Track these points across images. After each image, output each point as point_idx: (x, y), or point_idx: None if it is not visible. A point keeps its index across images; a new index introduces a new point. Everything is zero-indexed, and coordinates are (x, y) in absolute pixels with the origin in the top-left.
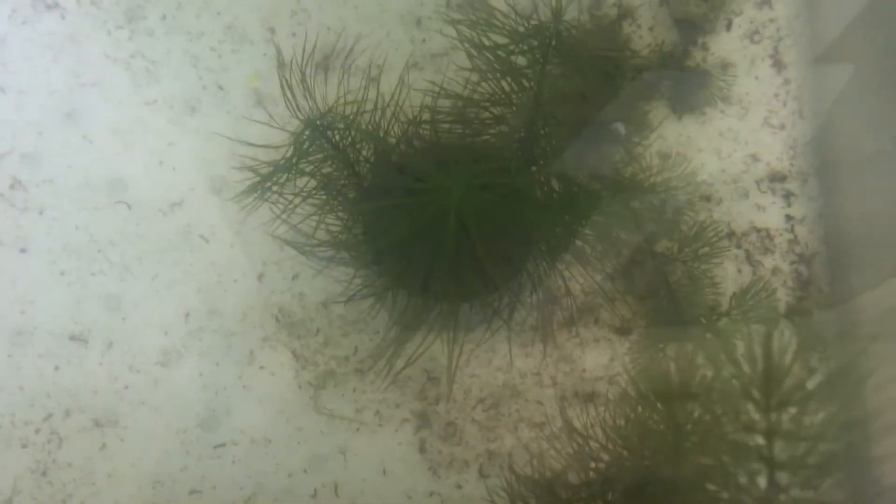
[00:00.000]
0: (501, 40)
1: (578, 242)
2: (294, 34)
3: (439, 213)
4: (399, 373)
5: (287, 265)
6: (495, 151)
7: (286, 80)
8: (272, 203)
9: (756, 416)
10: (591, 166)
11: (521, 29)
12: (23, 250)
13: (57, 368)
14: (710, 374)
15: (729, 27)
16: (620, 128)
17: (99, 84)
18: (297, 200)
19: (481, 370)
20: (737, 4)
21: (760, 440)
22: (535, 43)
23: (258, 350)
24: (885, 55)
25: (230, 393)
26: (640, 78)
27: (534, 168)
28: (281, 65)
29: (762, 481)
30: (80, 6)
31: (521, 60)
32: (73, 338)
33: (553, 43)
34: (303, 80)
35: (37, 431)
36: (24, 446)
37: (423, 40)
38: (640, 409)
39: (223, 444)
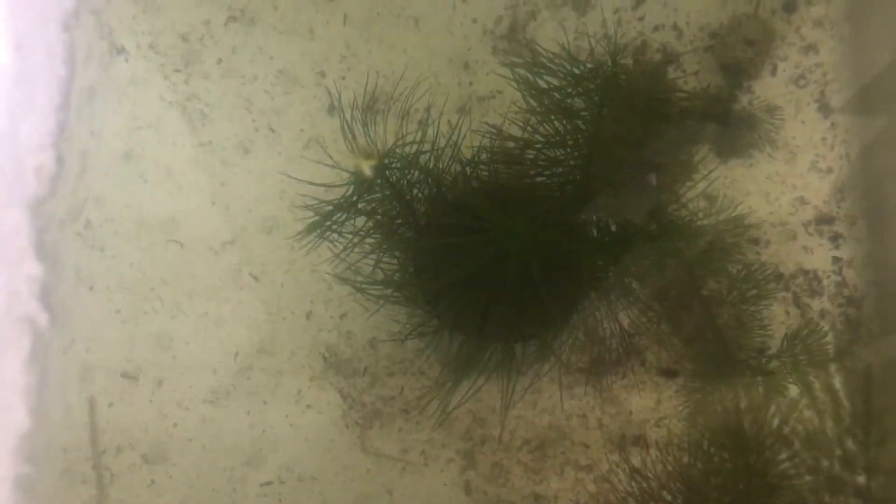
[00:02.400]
0: (555, 82)
1: (628, 283)
2: (344, 77)
3: (500, 253)
4: (448, 414)
5: (335, 303)
6: (552, 192)
7: (345, 122)
8: (330, 242)
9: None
10: (642, 209)
11: (577, 71)
12: (91, 288)
13: (111, 405)
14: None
15: (774, 72)
16: (653, 179)
17: (155, 126)
18: (355, 239)
19: (527, 411)
20: (782, 50)
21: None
22: (592, 86)
23: (305, 389)
24: None
25: (277, 431)
26: (686, 122)
27: (590, 209)
28: (332, 107)
29: None
30: (140, 50)
31: (577, 103)
32: (124, 375)
33: (608, 88)
34: (362, 121)
35: (93, 467)
36: (83, 482)
37: (471, 83)
38: (702, 452)
39: (270, 483)
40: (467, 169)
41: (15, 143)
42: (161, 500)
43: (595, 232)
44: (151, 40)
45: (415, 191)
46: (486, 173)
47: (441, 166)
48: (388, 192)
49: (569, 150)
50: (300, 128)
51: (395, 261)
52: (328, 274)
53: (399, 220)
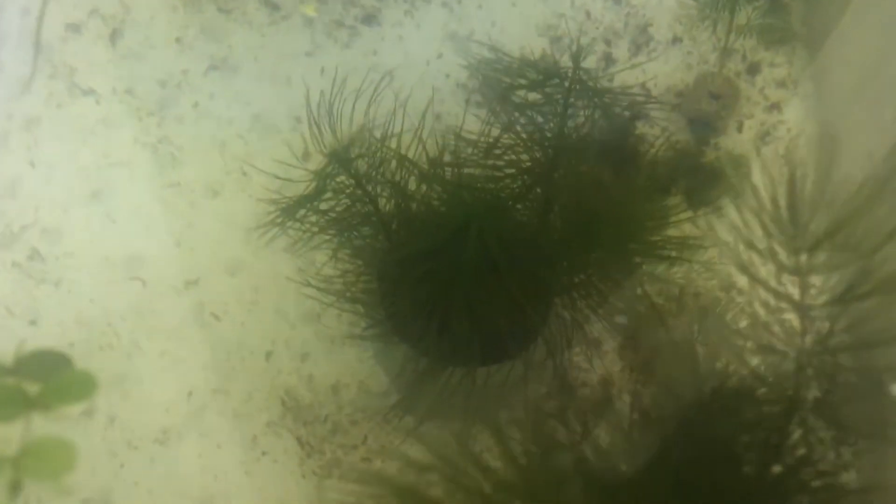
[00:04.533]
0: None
1: (596, 323)
2: (319, 124)
3: (460, 251)
4: (401, 445)
5: (297, 344)
6: (514, 199)
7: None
8: (290, 237)
9: None
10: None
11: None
12: (32, 322)
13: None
14: None
15: (740, 129)
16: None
17: (126, 165)
18: (313, 232)
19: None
20: (747, 108)
21: None
22: (555, 82)
23: (261, 435)
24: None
25: (230, 478)
26: (656, 172)
27: (549, 230)
28: (306, 153)
29: None
30: (115, 94)
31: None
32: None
33: (574, 87)
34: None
35: None
36: None
37: (442, 133)
38: None
39: None
40: (432, 170)
41: None
42: None
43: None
44: (128, 85)
45: (380, 189)
46: (451, 177)
47: (407, 165)
48: (351, 187)
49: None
50: (272, 172)
51: (354, 261)
52: (289, 279)
53: (360, 215)
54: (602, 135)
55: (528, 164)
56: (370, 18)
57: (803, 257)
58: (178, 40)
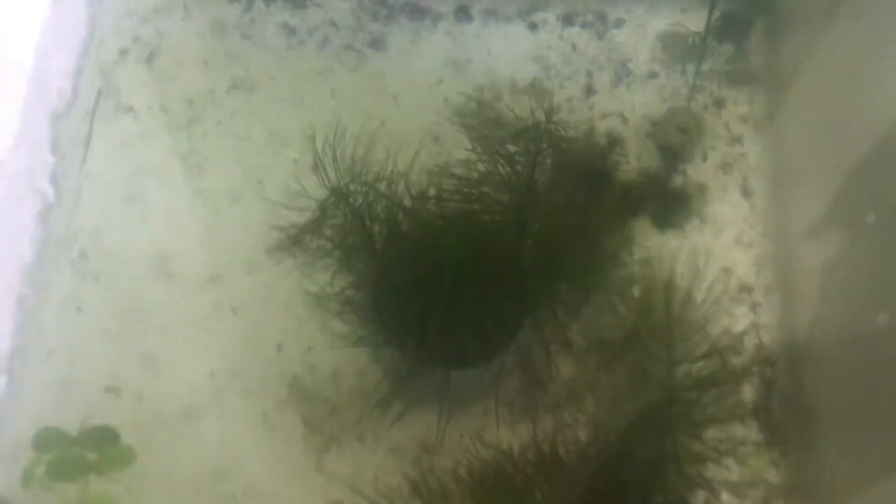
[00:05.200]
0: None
1: (564, 328)
2: (328, 140)
3: (436, 267)
4: (388, 434)
5: (304, 338)
6: (490, 225)
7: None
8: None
9: None
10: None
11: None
12: (79, 309)
13: (90, 416)
14: None
15: (705, 159)
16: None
17: (158, 174)
18: (318, 255)
19: (472, 443)
20: (711, 140)
21: None
22: (529, 135)
23: (271, 413)
24: (836, 188)
25: (243, 449)
26: (628, 194)
27: (522, 246)
28: (316, 166)
29: None
30: (150, 110)
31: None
32: (108, 389)
33: (542, 137)
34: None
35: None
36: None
37: (438, 153)
38: None
39: (233, 496)
40: (417, 203)
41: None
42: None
43: (525, 264)
44: (161, 103)
45: (372, 214)
46: (435, 207)
47: (397, 201)
48: (349, 217)
49: (509, 192)
50: (285, 181)
51: (352, 277)
52: (301, 297)
53: (357, 241)
54: (580, 160)
55: (506, 195)
56: (377, 43)
57: None
58: (205, 63)
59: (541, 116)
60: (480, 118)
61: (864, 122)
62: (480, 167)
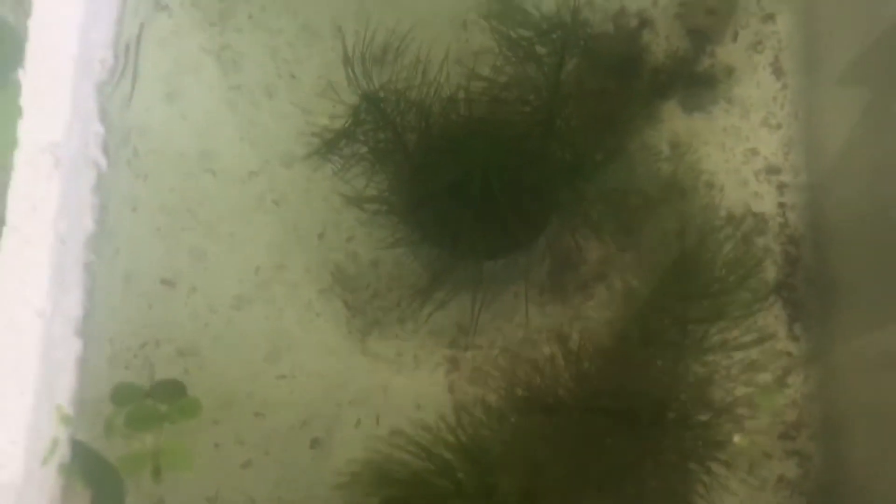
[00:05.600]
0: (526, 33)
1: (592, 213)
2: (357, 32)
3: (467, 171)
4: (431, 320)
5: (344, 227)
6: (520, 125)
7: (350, 62)
8: (334, 164)
9: None
10: (607, 149)
11: (545, 26)
12: (134, 209)
13: (150, 307)
14: None
15: (735, 38)
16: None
17: (194, 71)
18: (353, 160)
19: (504, 325)
20: (743, 18)
21: None
22: (554, 36)
23: (315, 300)
24: (872, 75)
25: (291, 334)
26: (657, 78)
27: (552, 140)
28: (347, 58)
29: None
30: (183, 7)
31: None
32: (163, 282)
33: (567, 37)
34: (363, 62)
35: (135, 356)
36: (126, 367)
37: (467, 40)
38: None
39: (283, 376)
40: (448, 104)
41: (88, 41)
42: (192, 387)
43: (555, 160)
44: None
45: (405, 121)
46: (464, 109)
47: (427, 102)
48: (380, 122)
49: (535, 92)
50: (318, 74)
51: (387, 180)
52: (338, 195)
53: (390, 145)
54: (610, 43)
55: (533, 95)
56: None
57: None
58: None
59: (566, 16)
60: (506, 20)
61: None
62: (509, 69)
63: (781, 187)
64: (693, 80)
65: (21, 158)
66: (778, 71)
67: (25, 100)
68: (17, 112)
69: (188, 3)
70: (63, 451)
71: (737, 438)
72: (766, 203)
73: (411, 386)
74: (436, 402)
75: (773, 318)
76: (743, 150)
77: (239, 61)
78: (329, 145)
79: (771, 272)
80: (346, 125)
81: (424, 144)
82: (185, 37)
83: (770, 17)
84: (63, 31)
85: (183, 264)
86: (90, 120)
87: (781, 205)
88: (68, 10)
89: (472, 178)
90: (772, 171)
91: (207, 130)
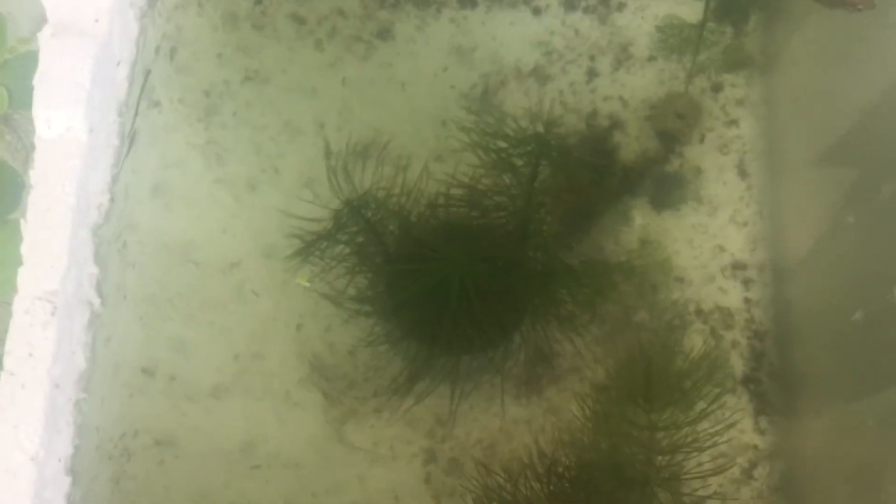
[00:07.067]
0: (502, 144)
1: (566, 311)
2: (339, 129)
3: (445, 278)
4: (408, 411)
5: (322, 318)
6: (496, 231)
7: (332, 168)
8: (314, 265)
9: None
10: (581, 249)
11: (520, 137)
12: (125, 297)
13: (131, 395)
14: None
15: (703, 140)
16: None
17: (180, 165)
18: (334, 263)
19: (481, 415)
20: (709, 122)
21: None
22: (529, 148)
23: (293, 389)
24: (830, 173)
25: (268, 424)
26: (628, 177)
27: (527, 246)
28: (328, 154)
29: None
30: (172, 103)
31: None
32: (143, 371)
33: (541, 150)
34: (344, 167)
35: (114, 447)
36: (109, 458)
37: (446, 138)
38: None
39: (259, 466)
40: (428, 210)
41: (86, 190)
42: (168, 478)
43: (530, 265)
44: (181, 95)
45: (385, 226)
46: (443, 214)
47: (407, 206)
48: (362, 227)
49: (511, 198)
50: (300, 170)
51: (367, 280)
52: (316, 292)
53: (371, 250)
54: (582, 142)
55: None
56: (385, 33)
57: None
58: (219, 55)
59: (540, 127)
60: (482, 134)
61: (852, 103)
62: (486, 179)
63: (747, 282)
64: (663, 180)
65: (19, 307)
66: (743, 172)
67: (25, 249)
68: (14, 255)
69: (176, 99)
70: None
71: None
72: (733, 298)
73: (388, 476)
74: (413, 492)
75: (739, 410)
76: (711, 246)
77: (223, 155)
78: (310, 247)
79: (738, 365)
80: (328, 229)
81: (404, 250)
82: (173, 132)
83: (734, 122)
84: (63, 183)
85: (162, 353)
86: (85, 263)
87: (747, 300)
88: (69, 163)
89: (450, 285)
90: (738, 266)
91: (190, 222)
